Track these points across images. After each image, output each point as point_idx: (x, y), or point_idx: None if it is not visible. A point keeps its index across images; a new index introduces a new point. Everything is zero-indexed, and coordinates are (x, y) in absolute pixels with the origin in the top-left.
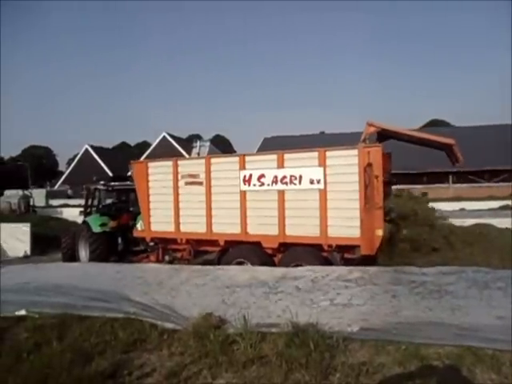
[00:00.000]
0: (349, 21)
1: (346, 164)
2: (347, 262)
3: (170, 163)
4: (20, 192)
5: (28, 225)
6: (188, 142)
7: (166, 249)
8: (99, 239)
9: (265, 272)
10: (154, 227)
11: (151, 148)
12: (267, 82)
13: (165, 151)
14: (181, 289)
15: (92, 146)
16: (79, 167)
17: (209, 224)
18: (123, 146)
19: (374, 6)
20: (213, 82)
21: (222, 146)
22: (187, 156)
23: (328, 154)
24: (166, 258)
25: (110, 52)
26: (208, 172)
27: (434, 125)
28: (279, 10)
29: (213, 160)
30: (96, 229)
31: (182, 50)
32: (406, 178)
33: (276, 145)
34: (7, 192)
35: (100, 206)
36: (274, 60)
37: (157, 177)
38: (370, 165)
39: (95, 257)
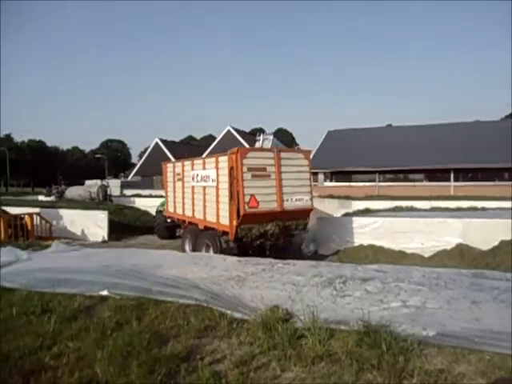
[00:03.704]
0: (414, 12)
1: (224, 167)
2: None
3: (171, 164)
4: (98, 182)
5: (106, 212)
6: (251, 136)
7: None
8: (157, 216)
9: (331, 270)
10: (169, 209)
11: (216, 141)
12: (332, 75)
13: (229, 144)
14: (248, 280)
15: (162, 140)
16: (150, 159)
17: (183, 209)
18: (190, 139)
19: None
20: (276, 76)
21: (286, 139)
22: None
23: (219, 158)
24: (177, 232)
25: (177, 52)
26: (183, 171)
27: None
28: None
29: (185, 162)
30: (158, 209)
31: (246, 46)
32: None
33: (339, 138)
34: (88, 182)
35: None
36: (337, 52)
37: (169, 174)
38: (232, 168)
39: (156, 226)
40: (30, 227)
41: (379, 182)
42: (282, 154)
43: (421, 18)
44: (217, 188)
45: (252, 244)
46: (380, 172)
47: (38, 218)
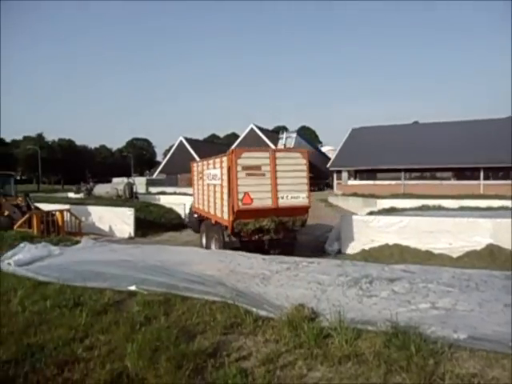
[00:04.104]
0: (444, 4)
1: (225, 166)
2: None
3: (196, 163)
4: (125, 180)
5: (132, 209)
6: (274, 134)
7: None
8: (191, 211)
9: (357, 269)
10: (195, 204)
11: (239, 140)
12: (355, 71)
13: (252, 142)
14: (273, 278)
15: (186, 138)
16: (174, 157)
17: (202, 204)
18: (213, 137)
19: None
20: (300, 73)
21: (309, 137)
22: (273, 147)
23: (222, 158)
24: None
25: (201, 51)
26: (202, 170)
27: None
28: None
29: (204, 162)
30: (191, 205)
31: (269, 44)
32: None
33: (364, 135)
34: (114, 179)
35: None
36: (361, 49)
37: (194, 172)
38: (229, 167)
39: (189, 221)
40: (60, 223)
41: (405, 180)
42: (278, 154)
43: (449, 9)
44: (221, 186)
45: (251, 238)
46: (406, 170)
47: (68, 214)
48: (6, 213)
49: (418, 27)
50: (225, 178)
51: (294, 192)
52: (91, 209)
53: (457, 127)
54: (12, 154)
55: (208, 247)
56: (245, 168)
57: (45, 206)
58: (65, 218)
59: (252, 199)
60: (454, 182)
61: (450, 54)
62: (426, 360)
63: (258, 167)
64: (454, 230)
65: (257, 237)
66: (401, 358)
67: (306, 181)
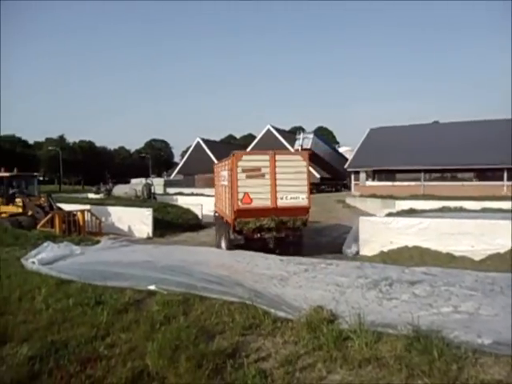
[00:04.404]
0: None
1: (231, 168)
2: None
3: (216, 165)
4: (143, 180)
5: (150, 210)
6: (291, 134)
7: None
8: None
9: (376, 271)
10: (216, 204)
11: (256, 140)
12: (373, 71)
13: (269, 143)
14: (291, 279)
15: (203, 139)
16: (191, 158)
17: (218, 203)
18: (230, 138)
19: None
20: (316, 74)
21: (326, 137)
22: (291, 149)
23: (228, 161)
24: None
25: (217, 52)
26: (219, 171)
27: None
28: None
29: (220, 164)
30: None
31: (285, 45)
32: None
33: (382, 135)
34: (133, 180)
35: None
36: (377, 49)
37: (215, 173)
38: (231, 169)
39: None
40: (81, 223)
41: (425, 181)
42: (278, 157)
43: (471, 8)
44: (228, 187)
45: (253, 236)
46: (426, 171)
47: (89, 214)
48: (30, 213)
49: (422, 27)
50: (230, 179)
51: (294, 193)
52: (111, 209)
53: (479, 126)
54: (35, 155)
55: (219, 245)
56: (245, 170)
57: (66, 206)
58: (85, 218)
59: (251, 199)
60: (475, 182)
61: (475, 49)
62: (449, 365)
63: (258, 169)
64: (476, 232)
65: (259, 235)
66: (423, 362)
67: (305, 182)
